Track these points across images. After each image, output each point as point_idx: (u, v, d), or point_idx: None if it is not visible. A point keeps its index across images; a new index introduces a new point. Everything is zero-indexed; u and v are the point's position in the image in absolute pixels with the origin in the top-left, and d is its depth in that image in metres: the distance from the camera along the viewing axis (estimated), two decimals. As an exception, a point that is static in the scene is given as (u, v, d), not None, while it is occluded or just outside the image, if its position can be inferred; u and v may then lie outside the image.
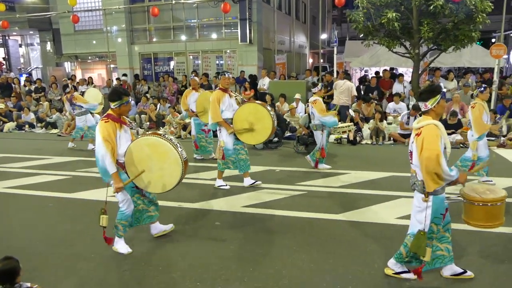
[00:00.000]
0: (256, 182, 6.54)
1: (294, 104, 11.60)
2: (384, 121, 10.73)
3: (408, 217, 5.14)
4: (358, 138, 10.17)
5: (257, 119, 6.12)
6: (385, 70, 14.11)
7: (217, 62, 18.09)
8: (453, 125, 9.96)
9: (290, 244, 4.49)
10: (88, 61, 20.73)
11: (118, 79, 16.91)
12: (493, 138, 9.47)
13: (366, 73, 18.54)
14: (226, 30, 17.49)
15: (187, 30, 17.26)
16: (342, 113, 11.42)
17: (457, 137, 9.69)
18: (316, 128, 7.52)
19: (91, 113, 10.02)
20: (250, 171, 6.52)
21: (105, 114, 4.18)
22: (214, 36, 17.79)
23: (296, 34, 23.03)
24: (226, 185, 6.55)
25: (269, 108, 6.31)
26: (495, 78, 11.46)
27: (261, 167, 7.75)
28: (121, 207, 4.34)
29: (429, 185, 3.32)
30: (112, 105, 4.18)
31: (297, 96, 11.72)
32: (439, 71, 12.93)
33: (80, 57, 20.32)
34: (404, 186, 6.56)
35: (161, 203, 5.82)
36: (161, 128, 12.22)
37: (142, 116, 13.23)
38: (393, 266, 3.79)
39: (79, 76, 18.99)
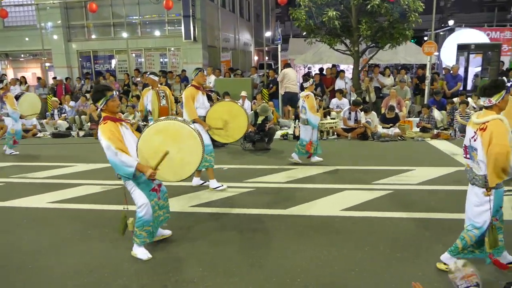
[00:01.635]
0: (206, 183, 6.48)
1: (240, 101, 11.61)
2: (328, 117, 11.05)
3: (352, 208, 5.39)
4: (303, 134, 10.38)
5: (232, 117, 6.02)
6: (329, 67, 14.56)
7: (161, 60, 17.70)
8: (391, 119, 10.49)
9: (240, 242, 4.50)
10: (21, 59, 19.46)
11: (54, 78, 16.04)
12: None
13: (309, 70, 18.97)
14: (169, 27, 17.15)
15: (128, 27, 16.71)
16: (295, 101, 11.94)
17: (395, 130, 10.21)
18: (306, 123, 7.54)
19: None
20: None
21: (102, 118, 3.91)
22: (157, 33, 17.38)
23: (241, 32, 23.07)
24: (223, 185, 6.34)
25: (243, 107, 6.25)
26: (428, 74, 12.18)
27: (209, 165, 7.70)
28: (139, 212, 4.06)
29: (493, 180, 3.28)
30: (99, 105, 3.90)
31: (243, 93, 11.75)
32: (377, 68, 13.54)
33: (11, 55, 19.02)
34: (348, 178, 6.82)
35: (104, 207, 5.65)
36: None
37: (82, 117, 12.65)
38: (447, 260, 3.71)
39: (10, 75, 17.77)
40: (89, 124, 12.20)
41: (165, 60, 17.56)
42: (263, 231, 4.77)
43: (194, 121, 5.99)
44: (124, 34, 16.39)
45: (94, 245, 4.50)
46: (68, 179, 7.16)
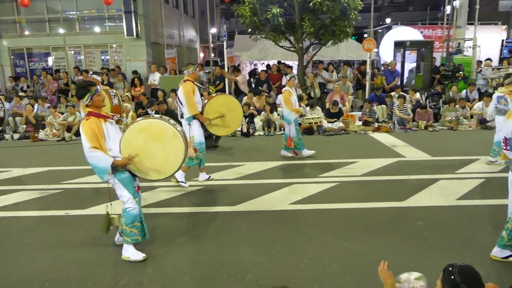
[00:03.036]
0: (211, 177, 6.63)
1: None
2: (275, 113, 11.17)
3: (300, 201, 5.50)
4: (251, 130, 10.45)
5: (229, 110, 6.34)
6: (275, 64, 14.74)
7: (102, 57, 17.00)
8: (335, 114, 10.82)
9: (189, 241, 4.44)
10: None
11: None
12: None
13: (255, 67, 19.09)
14: (110, 23, 16.50)
15: (65, 22, 15.84)
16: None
17: (339, 124, 10.55)
18: (283, 118, 7.88)
19: None
20: None
21: (86, 113, 3.85)
22: (97, 29, 16.65)
23: (185, 28, 22.69)
24: (186, 183, 6.35)
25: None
26: (368, 69, 12.69)
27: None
28: (127, 206, 3.94)
29: None
30: (85, 101, 3.84)
31: (190, 91, 11.58)
32: (321, 64, 13.88)
33: None
34: (295, 173, 6.96)
35: (44, 213, 5.35)
36: (41, 130, 11.09)
37: (17, 118, 11.85)
38: (498, 253, 3.82)
39: None
40: (24, 126, 11.46)
41: (107, 57, 16.89)
42: (212, 229, 4.74)
43: (194, 117, 6.07)
44: (61, 30, 15.53)
45: (34, 254, 4.24)
46: (2, 185, 6.69)
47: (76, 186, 6.53)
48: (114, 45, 16.66)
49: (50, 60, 16.90)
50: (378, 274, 2.44)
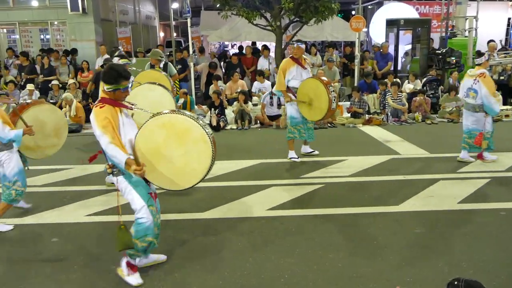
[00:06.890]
0: (314, 152, 7.78)
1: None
2: (249, 103, 11.13)
3: (279, 207, 5.51)
4: (221, 123, 10.39)
5: (316, 96, 6.93)
6: (249, 45, 14.69)
7: (42, 36, 16.62)
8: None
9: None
10: None
11: None
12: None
13: (226, 49, 19.00)
14: (50, -4, 16.13)
15: (-5, -5, 15.39)
16: None
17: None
18: (478, 110, 6.98)
19: None
20: None
21: (99, 99, 3.78)
22: (34, 3, 16.20)
23: (142, 3, 22.37)
24: (298, 158, 7.47)
25: (330, 88, 6.86)
26: (357, 52, 12.78)
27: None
28: (139, 216, 3.71)
29: None
30: (105, 87, 3.68)
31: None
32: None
33: None
34: (274, 173, 6.96)
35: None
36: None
37: None
38: None
39: None
40: None
41: (47, 36, 16.50)
42: (177, 240, 4.68)
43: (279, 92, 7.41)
44: (-11, 4, 15.07)
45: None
46: None
47: None
48: (55, 22, 16.31)
49: (-24, 40, 16.38)
50: None
